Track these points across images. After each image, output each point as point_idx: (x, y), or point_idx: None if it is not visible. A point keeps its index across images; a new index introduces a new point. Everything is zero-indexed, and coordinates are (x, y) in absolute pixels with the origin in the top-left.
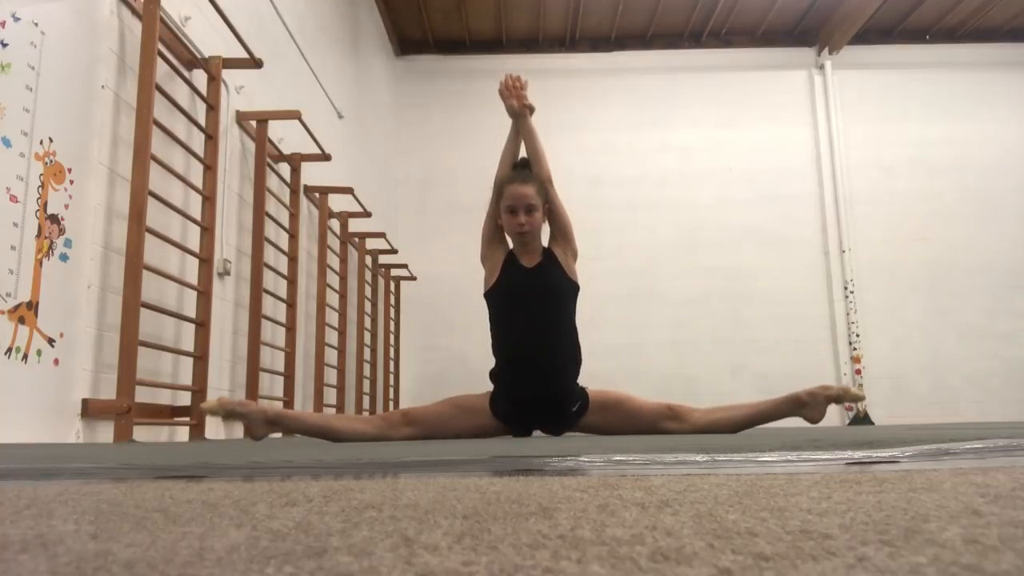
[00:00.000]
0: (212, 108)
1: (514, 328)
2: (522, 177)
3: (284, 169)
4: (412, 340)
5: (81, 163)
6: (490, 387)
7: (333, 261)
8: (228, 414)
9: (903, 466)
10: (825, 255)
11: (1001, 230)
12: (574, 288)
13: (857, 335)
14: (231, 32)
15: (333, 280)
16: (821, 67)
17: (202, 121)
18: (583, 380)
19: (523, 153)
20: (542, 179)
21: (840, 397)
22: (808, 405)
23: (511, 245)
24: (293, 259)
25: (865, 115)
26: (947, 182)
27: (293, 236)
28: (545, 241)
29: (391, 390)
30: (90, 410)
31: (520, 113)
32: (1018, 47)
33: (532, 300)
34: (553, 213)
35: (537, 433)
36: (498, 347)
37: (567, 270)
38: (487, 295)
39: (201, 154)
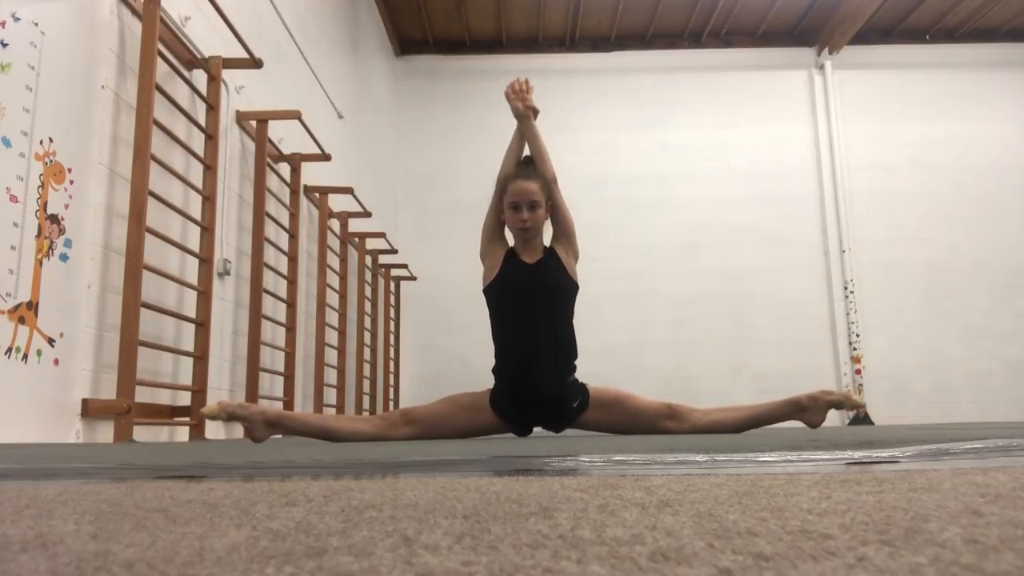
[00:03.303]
0: (212, 108)
1: (513, 323)
2: (526, 174)
3: (284, 169)
4: (412, 340)
5: (81, 163)
6: (490, 384)
7: (333, 261)
8: (228, 417)
9: (903, 466)
10: (825, 255)
11: (1001, 230)
12: (574, 287)
13: (857, 335)
14: (231, 32)
15: (333, 280)
16: (821, 67)
17: (202, 121)
18: (583, 379)
19: (527, 154)
20: (546, 177)
21: (841, 403)
22: (808, 409)
23: (512, 243)
24: (293, 259)
25: (865, 115)
26: (947, 182)
27: (293, 236)
28: (548, 240)
29: (391, 390)
30: (90, 410)
31: (525, 115)
32: (1018, 47)
33: (532, 295)
34: (556, 212)
35: (537, 430)
36: (498, 342)
37: (568, 269)
38: (486, 290)
39: (201, 154)
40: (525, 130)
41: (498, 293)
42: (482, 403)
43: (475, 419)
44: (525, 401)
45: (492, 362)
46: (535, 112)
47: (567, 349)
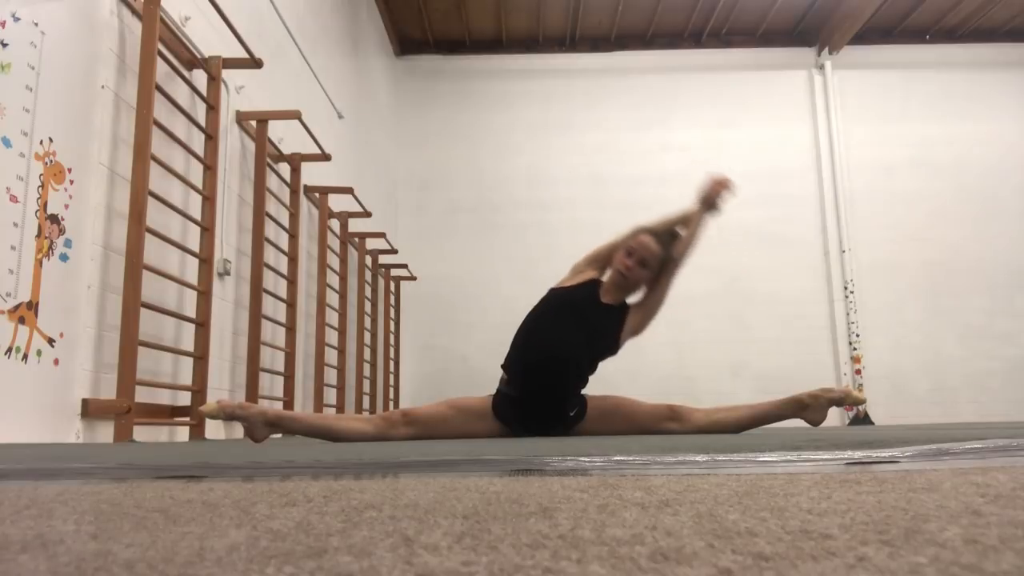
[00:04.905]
0: (212, 108)
1: (548, 333)
2: (659, 238)
3: (284, 169)
4: (412, 340)
5: (81, 163)
6: (493, 387)
7: (333, 261)
8: (228, 417)
9: (903, 466)
10: (825, 255)
11: (1001, 230)
12: (614, 348)
13: (857, 335)
14: (231, 32)
15: (333, 280)
16: (821, 67)
17: (202, 121)
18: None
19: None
20: (673, 256)
21: (842, 400)
22: (810, 407)
23: (603, 278)
24: (293, 259)
25: (865, 115)
26: (947, 182)
27: (293, 236)
28: (631, 301)
29: (391, 390)
30: (90, 410)
31: (711, 209)
32: (1018, 47)
33: (580, 325)
34: (655, 289)
35: None
36: (524, 338)
37: (623, 333)
38: (553, 289)
39: (201, 154)
40: (698, 218)
41: (559, 301)
42: (484, 408)
43: (474, 423)
44: (526, 408)
45: (492, 362)
46: (717, 210)
47: (579, 379)
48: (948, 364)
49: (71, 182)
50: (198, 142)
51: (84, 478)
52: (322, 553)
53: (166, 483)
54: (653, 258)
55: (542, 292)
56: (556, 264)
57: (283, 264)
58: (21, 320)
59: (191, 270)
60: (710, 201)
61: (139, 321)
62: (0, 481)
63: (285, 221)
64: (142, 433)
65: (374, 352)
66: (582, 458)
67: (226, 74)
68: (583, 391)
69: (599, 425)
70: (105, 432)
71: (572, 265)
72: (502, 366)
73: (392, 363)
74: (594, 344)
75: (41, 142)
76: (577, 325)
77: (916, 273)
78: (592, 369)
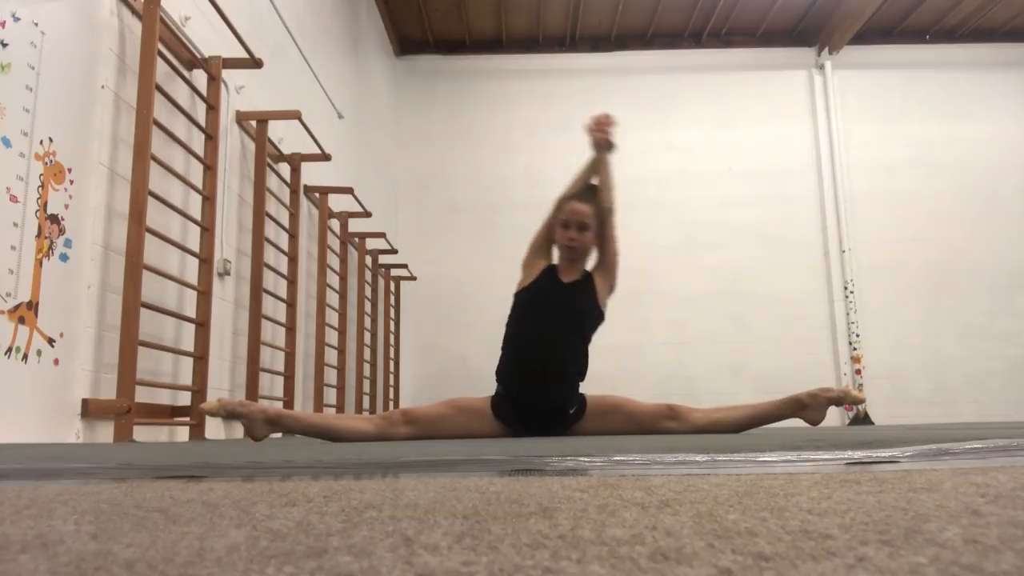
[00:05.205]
0: (212, 108)
1: (531, 333)
2: (583, 197)
3: (284, 169)
4: (412, 340)
5: (81, 163)
6: (493, 387)
7: (333, 261)
8: (228, 415)
9: (903, 466)
10: (825, 255)
11: (1001, 230)
12: (599, 316)
13: (857, 335)
14: (231, 32)
15: (333, 280)
16: (821, 67)
17: (202, 121)
18: (584, 382)
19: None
20: (603, 207)
21: (841, 399)
22: (809, 407)
23: (555, 260)
24: (293, 259)
25: (865, 115)
26: (947, 182)
27: (293, 236)
28: (590, 266)
29: (391, 390)
30: (90, 410)
31: (604, 147)
32: (1018, 47)
33: (557, 312)
34: (604, 244)
35: None
36: (511, 347)
37: (599, 297)
38: (518, 294)
39: (201, 154)
40: (600, 161)
41: (527, 301)
42: (483, 408)
43: (474, 423)
44: (526, 408)
45: (492, 362)
46: (612, 146)
47: (578, 368)
48: (948, 364)
49: (71, 182)
50: (198, 142)
51: (84, 478)
52: (322, 553)
53: (166, 483)
54: (589, 218)
55: None
56: None
57: (283, 264)
58: (21, 320)
59: (191, 270)
60: (602, 142)
61: (139, 321)
62: (0, 481)
63: (285, 221)
64: (142, 433)
65: (374, 352)
66: (582, 458)
67: (226, 74)
68: (582, 390)
69: (598, 424)
70: (105, 432)
71: (521, 265)
72: (497, 380)
73: (392, 363)
74: (579, 323)
75: (41, 142)
76: (555, 314)
77: (916, 273)
78: (586, 348)
